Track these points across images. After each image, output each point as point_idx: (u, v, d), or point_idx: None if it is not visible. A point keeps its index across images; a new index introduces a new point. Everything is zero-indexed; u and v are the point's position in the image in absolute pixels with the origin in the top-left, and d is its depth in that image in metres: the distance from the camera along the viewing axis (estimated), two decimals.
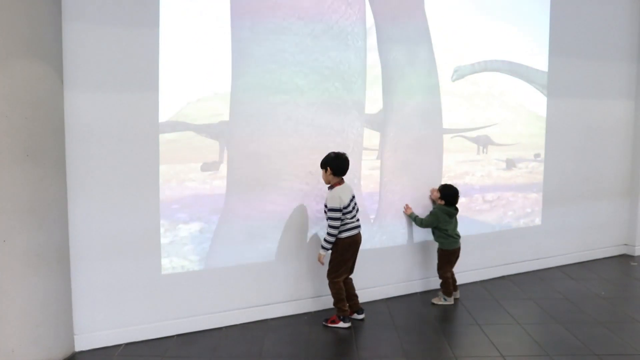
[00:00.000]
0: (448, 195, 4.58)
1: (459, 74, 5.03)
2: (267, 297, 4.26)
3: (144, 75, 3.69)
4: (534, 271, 5.58)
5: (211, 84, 3.95)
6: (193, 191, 3.95)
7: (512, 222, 5.48)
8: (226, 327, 4.08)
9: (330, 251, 4.07)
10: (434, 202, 4.79)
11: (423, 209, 4.80)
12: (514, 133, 5.47)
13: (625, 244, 6.34)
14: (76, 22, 3.48)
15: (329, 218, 3.95)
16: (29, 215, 3.29)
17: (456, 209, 4.62)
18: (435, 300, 4.63)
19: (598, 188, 6.08)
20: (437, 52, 4.86)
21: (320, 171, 4.08)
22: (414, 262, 4.89)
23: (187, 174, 3.93)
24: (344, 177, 4.08)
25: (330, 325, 4.12)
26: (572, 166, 5.87)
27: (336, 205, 3.92)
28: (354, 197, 4.11)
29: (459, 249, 4.65)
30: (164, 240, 3.87)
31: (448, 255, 4.62)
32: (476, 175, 5.24)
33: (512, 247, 5.48)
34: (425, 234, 4.83)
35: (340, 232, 4.00)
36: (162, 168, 3.83)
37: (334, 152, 4.03)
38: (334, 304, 4.14)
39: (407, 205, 4.74)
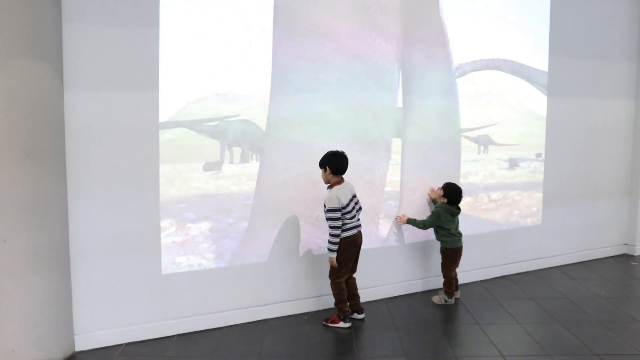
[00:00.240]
0: (451, 194, 4.57)
1: (461, 72, 5.05)
2: (267, 297, 4.26)
3: (144, 75, 3.69)
4: (534, 271, 5.58)
5: (211, 84, 3.96)
6: (198, 191, 3.97)
7: (519, 220, 5.52)
8: (226, 327, 4.08)
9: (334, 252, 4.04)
10: (433, 201, 4.79)
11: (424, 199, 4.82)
12: (515, 133, 5.47)
13: (626, 244, 6.34)
14: (76, 22, 3.48)
15: (328, 219, 3.94)
16: (29, 215, 3.29)
17: (458, 209, 4.62)
18: (435, 300, 4.62)
19: (598, 188, 6.08)
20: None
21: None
22: (414, 262, 4.89)
23: (190, 174, 3.94)
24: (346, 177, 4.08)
25: (330, 325, 4.11)
26: (572, 166, 5.87)
27: (334, 205, 3.91)
28: (354, 196, 4.10)
29: (461, 248, 4.66)
30: (176, 239, 3.90)
31: (452, 253, 4.61)
32: (479, 174, 5.25)
33: (513, 247, 5.48)
34: (425, 234, 4.82)
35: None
36: (165, 167, 3.83)
37: (331, 151, 4.01)
38: (335, 304, 4.13)
39: (399, 216, 4.71)
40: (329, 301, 4.32)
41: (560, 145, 5.74)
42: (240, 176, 4.13)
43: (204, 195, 3.99)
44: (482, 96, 5.22)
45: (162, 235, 3.86)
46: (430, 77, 4.84)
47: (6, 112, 3.18)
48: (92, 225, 3.63)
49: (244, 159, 4.13)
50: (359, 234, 4.12)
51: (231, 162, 4.09)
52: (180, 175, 3.90)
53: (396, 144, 4.72)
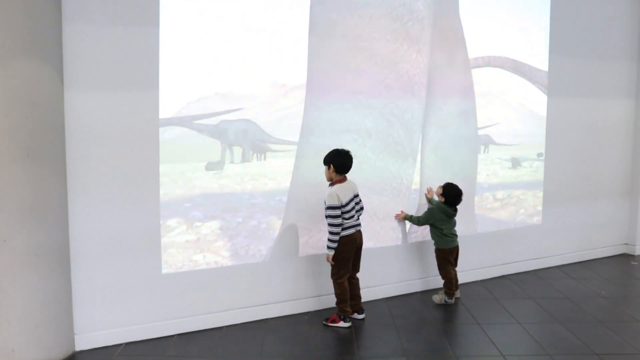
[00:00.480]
0: (450, 194, 4.57)
1: None
2: (267, 297, 4.26)
3: (144, 75, 3.69)
4: (534, 270, 5.58)
5: (212, 84, 3.96)
6: (202, 190, 3.98)
7: (526, 219, 5.57)
8: (226, 327, 4.09)
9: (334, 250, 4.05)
10: (429, 200, 4.79)
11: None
12: (515, 132, 5.48)
13: (626, 243, 6.34)
14: (76, 22, 3.48)
15: (327, 216, 3.94)
16: (29, 214, 3.29)
17: (455, 210, 4.62)
18: (436, 299, 4.62)
19: (598, 187, 6.08)
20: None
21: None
22: (414, 262, 4.89)
23: (193, 173, 3.95)
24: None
25: (330, 324, 4.12)
26: (572, 165, 5.87)
27: (334, 203, 3.91)
28: (356, 196, 4.10)
29: (456, 248, 4.65)
30: (189, 237, 3.93)
31: (445, 254, 4.61)
32: (482, 174, 5.29)
33: (513, 247, 5.48)
34: (425, 234, 4.82)
35: None
36: (168, 167, 3.84)
37: (336, 149, 4.01)
38: (337, 304, 4.13)
39: (397, 213, 4.72)
40: (329, 301, 4.32)
41: (560, 145, 5.74)
42: (243, 175, 4.14)
43: (209, 194, 4.01)
44: (483, 96, 5.22)
45: (172, 233, 3.88)
46: (449, 78, 4.94)
47: (6, 112, 3.18)
48: (92, 225, 3.63)
49: (245, 159, 4.14)
50: (358, 233, 4.12)
51: (232, 161, 4.09)
52: (183, 175, 3.91)
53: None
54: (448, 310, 4.48)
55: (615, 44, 6.03)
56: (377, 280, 4.67)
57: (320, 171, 4.08)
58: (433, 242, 4.68)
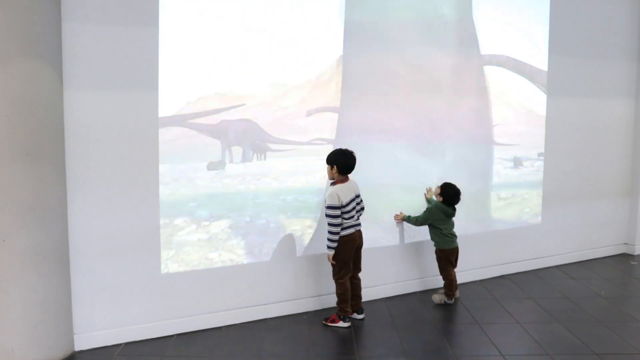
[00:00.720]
0: (448, 194, 4.57)
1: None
2: (266, 297, 4.26)
3: (144, 74, 3.69)
4: (533, 270, 5.58)
5: (211, 84, 3.96)
6: (206, 190, 3.99)
7: (530, 218, 5.61)
8: (226, 327, 4.09)
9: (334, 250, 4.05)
10: (428, 200, 4.80)
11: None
12: (515, 132, 5.48)
13: (625, 243, 6.34)
14: (75, 22, 3.47)
15: (327, 215, 3.94)
16: (28, 214, 3.29)
17: (454, 209, 4.62)
18: (435, 299, 4.62)
19: (598, 187, 6.08)
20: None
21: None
22: (414, 261, 4.89)
23: (195, 173, 3.96)
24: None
25: (330, 324, 4.12)
26: (572, 165, 5.87)
27: (334, 203, 3.91)
28: (357, 196, 4.10)
29: (456, 249, 4.65)
30: (202, 236, 3.97)
31: (446, 255, 4.61)
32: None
33: (512, 246, 5.48)
34: (425, 234, 4.82)
35: None
36: (169, 167, 3.84)
37: (341, 149, 4.02)
38: (337, 304, 4.13)
39: (396, 214, 4.72)
40: (328, 300, 4.32)
41: (560, 144, 5.74)
42: (245, 175, 4.15)
43: (214, 194, 4.02)
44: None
45: (182, 232, 3.90)
46: (466, 78, 5.06)
47: (6, 112, 3.18)
48: (92, 225, 3.63)
49: (245, 159, 4.15)
50: (358, 233, 4.12)
51: (230, 161, 4.09)
52: (185, 175, 3.92)
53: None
54: (448, 310, 4.48)
55: (615, 43, 6.03)
56: (376, 280, 4.67)
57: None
58: (433, 243, 4.67)
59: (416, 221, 4.63)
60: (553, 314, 4.35)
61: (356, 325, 4.15)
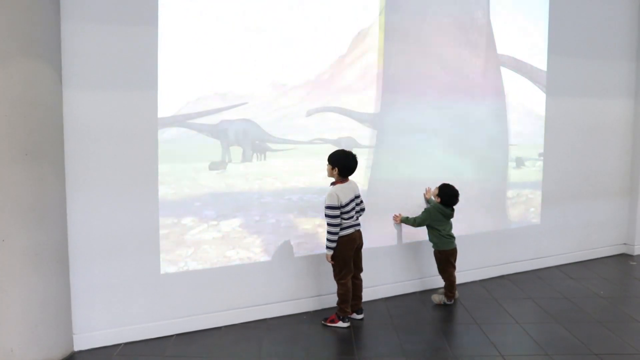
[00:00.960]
0: (445, 194, 4.57)
1: None
2: (266, 297, 4.25)
3: (143, 74, 3.69)
4: (533, 270, 5.58)
5: (211, 83, 3.95)
6: (210, 189, 4.00)
7: (535, 217, 5.65)
8: (225, 327, 4.08)
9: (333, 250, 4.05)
10: (427, 201, 4.79)
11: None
12: (514, 132, 5.47)
13: (625, 243, 6.34)
14: (75, 21, 3.47)
15: (326, 215, 3.95)
16: (28, 214, 3.29)
17: (452, 210, 4.62)
18: (435, 299, 4.61)
19: (597, 187, 6.08)
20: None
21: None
22: (413, 262, 4.89)
23: (197, 173, 3.96)
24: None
25: (329, 324, 4.12)
26: (571, 165, 5.87)
27: (334, 203, 3.91)
28: (357, 196, 4.10)
29: (455, 250, 4.64)
30: (216, 234, 4.02)
31: (446, 255, 4.60)
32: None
33: (511, 247, 5.48)
34: (424, 234, 4.82)
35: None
36: (168, 167, 3.83)
37: (343, 151, 4.02)
38: (338, 303, 4.12)
39: (396, 215, 4.72)
40: (328, 300, 4.32)
41: (559, 144, 5.74)
42: (247, 175, 4.16)
43: (218, 194, 4.04)
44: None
45: (193, 232, 3.93)
46: (485, 79, 5.16)
47: (5, 112, 3.17)
48: (91, 225, 3.63)
49: (245, 159, 4.15)
50: (358, 233, 4.12)
51: (229, 161, 4.09)
52: (186, 174, 3.92)
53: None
54: (447, 310, 4.48)
55: (614, 43, 6.03)
56: (375, 280, 4.66)
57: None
58: (431, 244, 4.67)
59: (414, 222, 4.62)
60: (552, 314, 4.35)
61: (355, 325, 4.15)
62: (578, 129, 5.88)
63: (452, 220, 4.66)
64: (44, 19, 3.30)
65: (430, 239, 4.66)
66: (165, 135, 3.81)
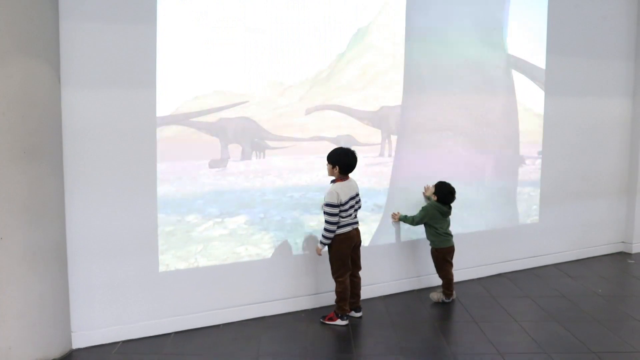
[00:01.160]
0: (442, 192, 4.57)
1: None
2: (264, 295, 4.25)
3: (142, 73, 3.68)
4: (531, 269, 5.58)
5: (210, 82, 3.95)
6: (211, 187, 4.01)
7: (524, 217, 5.66)
8: (223, 325, 4.08)
9: (326, 246, 4.06)
10: (427, 198, 4.79)
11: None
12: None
13: (623, 242, 6.35)
14: (73, 20, 3.46)
15: (325, 213, 3.95)
16: (26, 213, 3.28)
17: (450, 208, 4.62)
18: (433, 297, 4.61)
19: (595, 186, 6.08)
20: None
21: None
22: (411, 259, 4.90)
23: (197, 171, 3.97)
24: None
25: (327, 322, 4.12)
26: (569, 164, 5.87)
27: (333, 201, 3.92)
28: (357, 195, 4.11)
29: (452, 248, 4.64)
30: (223, 232, 4.04)
31: (443, 254, 4.60)
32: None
33: (510, 245, 5.48)
34: (423, 232, 4.83)
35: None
36: (168, 165, 3.83)
37: (343, 148, 4.02)
38: (336, 302, 4.12)
39: (393, 213, 4.72)
40: (326, 299, 4.32)
41: (557, 143, 5.74)
42: (247, 173, 4.16)
43: (220, 191, 4.04)
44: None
45: (199, 228, 3.95)
46: (497, 78, 5.23)
47: (3, 111, 3.16)
48: (90, 223, 3.62)
49: (245, 157, 4.15)
50: (355, 231, 4.12)
51: (229, 158, 4.09)
52: (188, 173, 3.92)
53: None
54: (445, 309, 4.49)
55: (612, 42, 6.03)
56: (374, 278, 4.66)
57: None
58: (429, 242, 4.67)
59: (412, 221, 4.62)
60: (550, 312, 4.36)
61: (354, 323, 4.15)
62: (576, 128, 5.88)
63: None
64: (43, 18, 3.29)
65: (428, 237, 4.66)
66: (164, 133, 3.81)
